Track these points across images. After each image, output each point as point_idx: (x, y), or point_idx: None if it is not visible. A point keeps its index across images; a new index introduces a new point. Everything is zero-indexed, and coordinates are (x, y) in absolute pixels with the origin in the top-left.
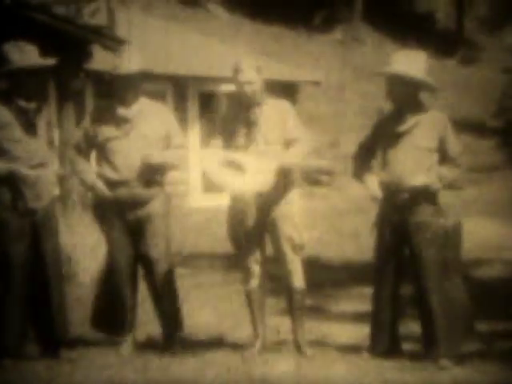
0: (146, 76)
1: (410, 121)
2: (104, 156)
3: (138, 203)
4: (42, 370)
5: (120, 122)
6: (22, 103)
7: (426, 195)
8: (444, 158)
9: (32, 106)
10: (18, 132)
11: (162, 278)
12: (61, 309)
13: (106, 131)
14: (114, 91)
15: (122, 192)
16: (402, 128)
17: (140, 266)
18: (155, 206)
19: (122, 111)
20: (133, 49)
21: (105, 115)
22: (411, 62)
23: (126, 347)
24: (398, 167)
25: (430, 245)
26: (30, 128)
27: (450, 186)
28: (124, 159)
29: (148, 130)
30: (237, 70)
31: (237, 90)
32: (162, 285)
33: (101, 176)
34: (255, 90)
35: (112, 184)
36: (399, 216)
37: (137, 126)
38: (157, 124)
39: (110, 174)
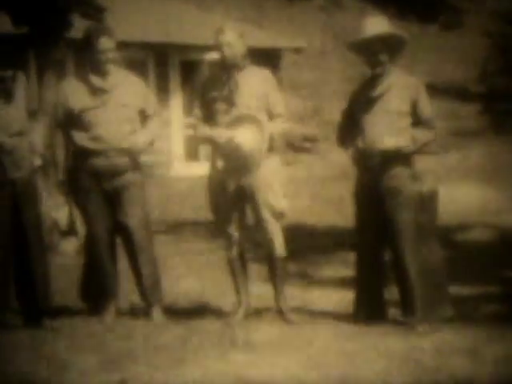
0: (122, 46)
1: (382, 86)
2: (81, 126)
3: (115, 173)
4: (25, 339)
5: (96, 92)
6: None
7: (399, 159)
8: (418, 121)
9: (8, 74)
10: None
11: (140, 247)
12: (44, 278)
13: (82, 102)
14: (89, 62)
15: (100, 162)
16: (375, 93)
17: (118, 235)
18: (132, 176)
19: (98, 81)
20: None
21: (80, 86)
22: (378, 24)
23: (109, 315)
24: (371, 131)
25: (404, 209)
26: (6, 96)
27: (426, 149)
28: (103, 129)
29: (126, 100)
30: (219, 32)
31: (219, 54)
32: (140, 253)
33: (78, 146)
34: (235, 52)
35: (89, 154)
36: (374, 181)
37: (114, 95)
38: (133, 93)
39: (89, 144)
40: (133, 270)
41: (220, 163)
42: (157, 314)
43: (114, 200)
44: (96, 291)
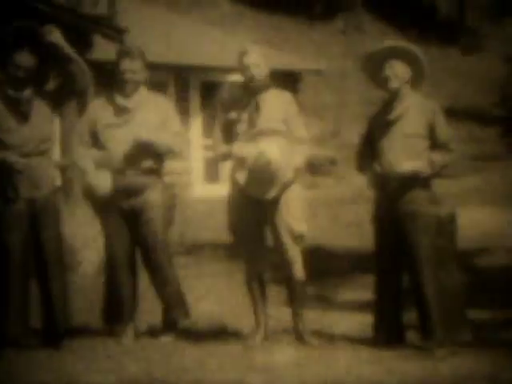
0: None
1: (399, 109)
2: (101, 144)
3: (132, 192)
4: (43, 360)
5: (119, 111)
6: (11, 92)
7: (417, 182)
8: (435, 144)
9: (24, 95)
10: (9, 121)
11: (160, 266)
12: (62, 298)
13: (105, 118)
14: (114, 81)
15: (117, 180)
16: (392, 116)
17: (138, 255)
18: (151, 196)
19: (121, 101)
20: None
21: (105, 104)
22: (396, 40)
23: (127, 337)
24: (388, 155)
25: (423, 233)
26: (22, 117)
27: (444, 172)
28: (120, 147)
29: (146, 120)
30: (243, 54)
31: (243, 75)
32: (161, 272)
33: (97, 164)
34: (261, 73)
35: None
36: (392, 205)
37: (136, 115)
38: (155, 114)
39: (106, 162)
40: (156, 289)
41: (243, 179)
42: (168, 335)
43: (132, 219)
44: (114, 312)
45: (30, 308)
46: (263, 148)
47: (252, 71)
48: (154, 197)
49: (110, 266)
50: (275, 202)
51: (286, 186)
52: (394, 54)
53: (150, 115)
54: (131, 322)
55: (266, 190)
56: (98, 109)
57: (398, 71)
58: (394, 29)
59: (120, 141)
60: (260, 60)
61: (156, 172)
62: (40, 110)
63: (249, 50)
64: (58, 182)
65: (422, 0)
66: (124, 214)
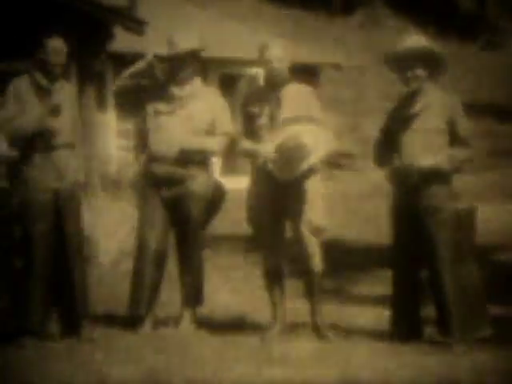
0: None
1: (420, 103)
2: (148, 129)
3: (174, 181)
4: (62, 349)
5: (171, 99)
6: (44, 83)
7: (436, 177)
8: (455, 139)
9: (55, 86)
10: (39, 112)
11: (191, 256)
12: (82, 289)
13: (157, 105)
14: (169, 70)
15: (159, 168)
16: (412, 110)
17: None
18: (192, 186)
19: (174, 89)
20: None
21: (159, 91)
22: (418, 40)
23: (144, 327)
24: (408, 150)
25: (442, 228)
26: (53, 109)
27: (463, 168)
28: (166, 136)
29: (195, 112)
30: (266, 47)
31: (265, 69)
32: (191, 262)
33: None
34: (284, 67)
35: (150, 159)
36: (411, 199)
37: (186, 105)
38: (205, 108)
39: (150, 148)
40: (182, 272)
41: (272, 161)
42: (186, 322)
43: (172, 208)
44: (134, 302)
45: (52, 298)
46: (296, 132)
47: (275, 65)
48: (195, 187)
49: (139, 255)
50: (295, 189)
51: (311, 171)
52: (417, 53)
53: (199, 109)
54: (150, 313)
55: (293, 171)
56: (155, 95)
57: (418, 72)
58: (413, 23)
59: (166, 130)
60: (282, 54)
61: (200, 163)
62: (67, 102)
63: (271, 43)
64: (81, 175)
65: None
66: (164, 203)
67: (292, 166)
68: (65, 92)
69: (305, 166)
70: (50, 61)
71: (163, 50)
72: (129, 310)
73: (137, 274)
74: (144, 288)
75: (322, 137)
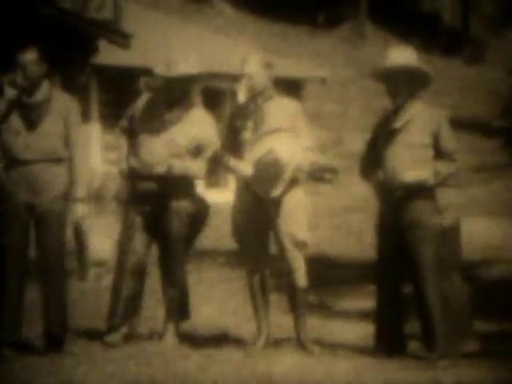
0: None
1: (404, 118)
2: (133, 145)
3: (155, 196)
4: (44, 364)
5: (157, 119)
6: (24, 98)
7: (421, 192)
8: (439, 153)
9: (33, 100)
10: (17, 125)
11: (174, 269)
12: (62, 302)
13: (145, 123)
14: (161, 91)
15: (141, 184)
16: (397, 124)
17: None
18: (173, 201)
19: (162, 110)
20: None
21: (151, 109)
22: (405, 55)
23: (114, 336)
24: (392, 164)
25: (426, 242)
26: (31, 122)
27: (448, 182)
28: (148, 154)
29: (181, 135)
30: (243, 62)
31: (247, 83)
32: (174, 275)
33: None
34: (259, 83)
35: (132, 174)
36: (395, 213)
37: (172, 127)
38: (193, 132)
39: (132, 165)
40: (166, 287)
41: (250, 175)
42: (170, 335)
43: (153, 222)
44: (108, 312)
45: (24, 312)
46: (271, 146)
47: (252, 80)
48: (176, 202)
49: (118, 268)
50: (278, 203)
51: (288, 184)
52: (404, 69)
53: (186, 132)
54: (125, 324)
55: (272, 188)
56: (140, 111)
57: (403, 89)
58: (396, 38)
59: (149, 149)
60: (259, 69)
61: (184, 179)
62: (53, 117)
63: (248, 58)
64: (81, 192)
65: (426, 9)
66: (146, 217)
67: (269, 183)
68: (50, 106)
69: (279, 187)
70: (23, 74)
71: (157, 70)
72: (106, 322)
73: (114, 286)
74: (120, 300)
75: (300, 147)
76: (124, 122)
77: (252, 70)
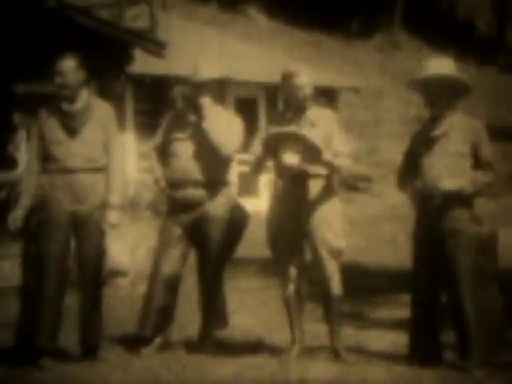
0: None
1: (442, 127)
2: (165, 156)
3: (191, 204)
4: (80, 371)
5: (189, 125)
6: (65, 106)
7: (459, 201)
8: (478, 163)
9: (74, 108)
10: (58, 134)
11: (214, 269)
12: (98, 310)
13: (175, 133)
14: (190, 96)
15: (177, 192)
16: (436, 133)
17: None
18: (210, 209)
19: (192, 117)
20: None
21: (179, 119)
22: (445, 65)
23: (150, 348)
24: (431, 172)
25: (464, 252)
26: (72, 131)
27: (485, 192)
28: (180, 161)
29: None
30: (293, 74)
31: (291, 95)
32: (212, 285)
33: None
34: (307, 94)
35: (168, 183)
36: (433, 222)
37: (201, 130)
38: (220, 132)
39: (167, 175)
40: (202, 292)
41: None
42: (204, 344)
43: (192, 233)
44: (141, 323)
45: (63, 319)
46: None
47: (304, 91)
48: (213, 209)
49: (152, 278)
50: (314, 211)
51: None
52: (443, 80)
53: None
54: (158, 335)
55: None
56: (170, 121)
57: (441, 99)
58: (431, 47)
59: (181, 156)
60: (307, 80)
61: (218, 184)
62: (92, 125)
63: (299, 70)
64: (115, 200)
65: (461, 17)
66: (183, 226)
67: (303, 217)
68: (90, 114)
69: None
70: (60, 82)
71: (186, 75)
72: (137, 331)
73: (147, 295)
74: (152, 310)
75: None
76: (157, 139)
77: (304, 82)
